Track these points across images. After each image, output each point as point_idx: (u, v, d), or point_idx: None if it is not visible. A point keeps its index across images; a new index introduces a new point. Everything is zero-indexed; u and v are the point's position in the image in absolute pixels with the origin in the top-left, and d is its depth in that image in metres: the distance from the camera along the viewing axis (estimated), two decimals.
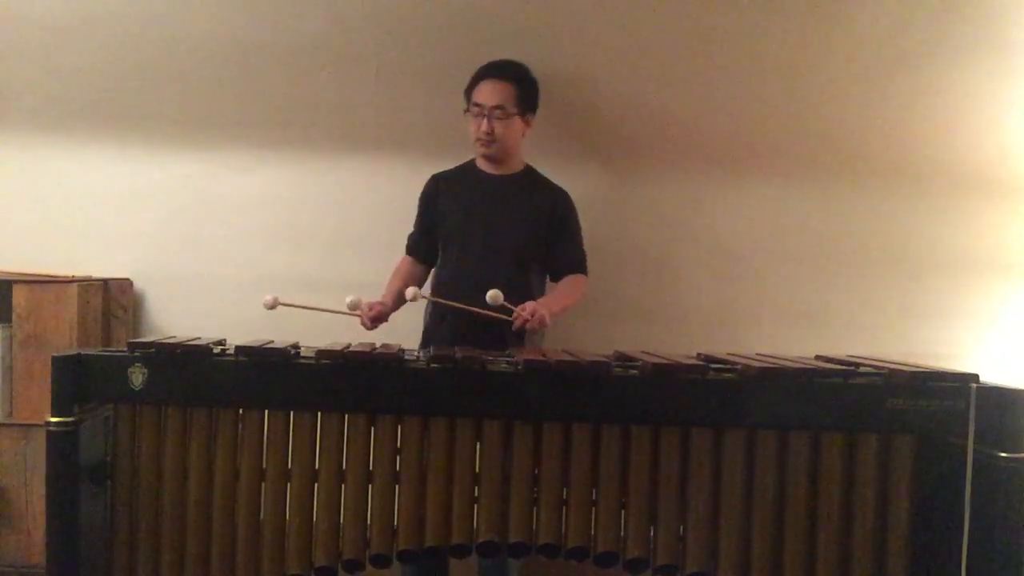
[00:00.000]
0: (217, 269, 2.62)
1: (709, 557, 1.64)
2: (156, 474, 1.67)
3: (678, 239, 2.64)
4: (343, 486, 1.67)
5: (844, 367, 1.70)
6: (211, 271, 2.62)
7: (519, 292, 2.12)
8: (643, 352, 1.83)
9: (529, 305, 1.99)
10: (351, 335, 2.02)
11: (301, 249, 2.63)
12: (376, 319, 2.10)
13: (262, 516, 1.68)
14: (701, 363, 1.72)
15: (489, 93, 2.17)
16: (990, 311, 2.65)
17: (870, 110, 2.59)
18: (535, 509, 1.65)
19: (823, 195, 2.64)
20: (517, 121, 2.20)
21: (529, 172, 2.31)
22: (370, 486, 1.66)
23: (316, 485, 1.67)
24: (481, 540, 1.64)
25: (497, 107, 2.16)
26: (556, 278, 2.29)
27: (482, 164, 2.28)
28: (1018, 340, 2.64)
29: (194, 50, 2.57)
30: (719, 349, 1.93)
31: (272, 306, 1.94)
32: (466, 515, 1.65)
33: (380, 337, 2.06)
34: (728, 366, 1.71)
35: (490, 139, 2.17)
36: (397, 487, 1.66)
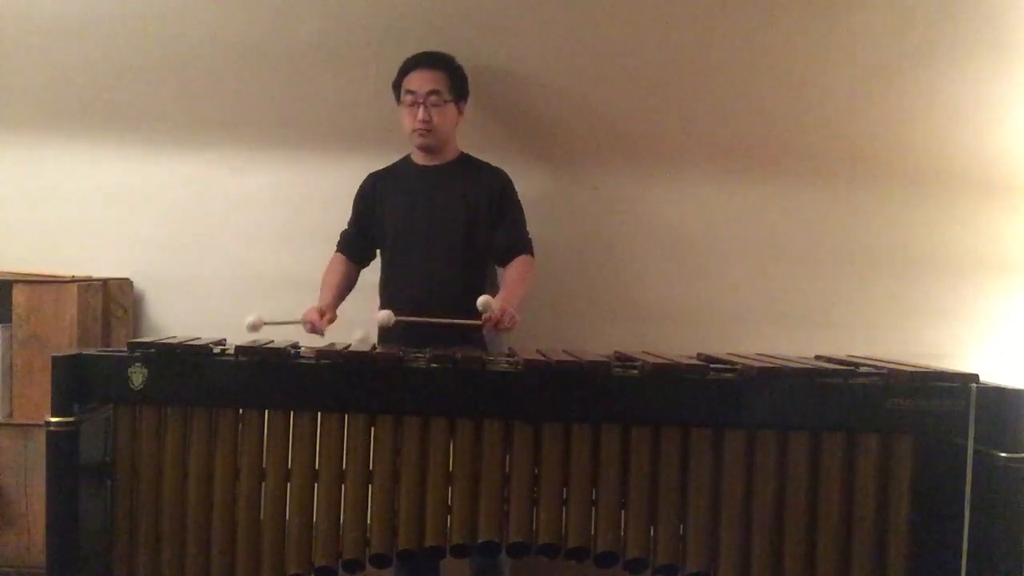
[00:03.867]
0: (217, 269, 2.62)
1: (709, 557, 1.64)
2: (156, 474, 1.67)
3: (678, 239, 2.64)
4: (343, 486, 1.66)
5: (844, 367, 1.70)
6: (211, 271, 2.62)
7: (472, 285, 2.12)
8: (643, 352, 1.83)
9: (494, 305, 1.93)
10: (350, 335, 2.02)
11: (301, 249, 2.63)
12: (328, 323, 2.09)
13: (262, 516, 1.67)
14: (701, 363, 1.72)
15: (421, 80, 2.15)
16: (990, 311, 2.65)
17: (870, 110, 2.59)
18: (535, 509, 1.65)
19: (823, 195, 2.64)
20: (452, 108, 2.19)
21: (464, 158, 2.28)
22: (370, 486, 1.66)
23: (316, 485, 1.67)
24: (481, 540, 1.64)
25: (432, 92, 2.14)
26: (502, 262, 2.22)
27: (418, 157, 2.26)
28: (1018, 340, 2.64)
29: (194, 50, 2.57)
30: (719, 349, 1.93)
31: (256, 327, 1.90)
32: (466, 515, 1.65)
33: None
34: (728, 366, 1.71)
35: (427, 127, 2.15)
36: (397, 487, 1.66)
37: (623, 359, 1.78)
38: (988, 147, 2.60)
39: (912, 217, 2.64)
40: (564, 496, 1.64)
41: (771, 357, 1.82)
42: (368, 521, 1.66)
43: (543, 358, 1.69)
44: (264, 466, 1.68)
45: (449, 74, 2.18)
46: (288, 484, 1.67)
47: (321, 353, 1.68)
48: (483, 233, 2.20)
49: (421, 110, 2.14)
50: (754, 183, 2.64)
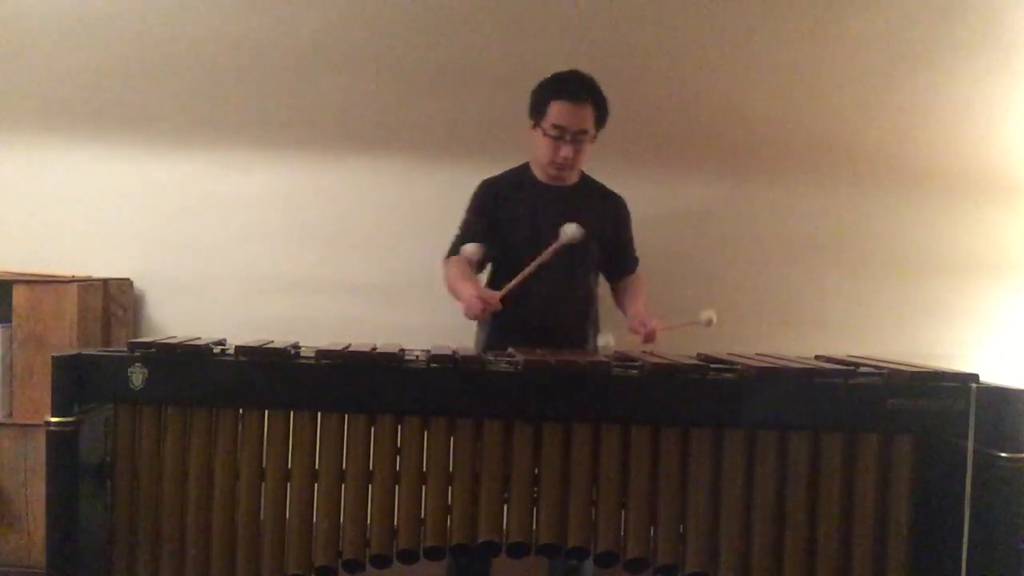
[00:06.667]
0: (217, 269, 2.62)
1: (709, 557, 1.64)
2: (156, 474, 1.67)
3: (677, 239, 2.65)
4: (343, 486, 1.66)
5: (844, 367, 1.70)
6: (211, 271, 2.62)
7: (588, 300, 2.16)
8: (643, 352, 1.83)
9: (644, 320, 2.03)
10: (351, 335, 2.02)
11: (301, 249, 2.63)
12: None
13: (262, 516, 1.67)
14: (701, 363, 1.72)
15: (572, 116, 2.05)
16: (990, 311, 2.65)
17: (870, 110, 2.60)
18: (535, 509, 1.64)
19: (823, 195, 2.64)
20: (591, 142, 2.12)
21: (587, 180, 2.25)
22: (370, 486, 1.66)
23: (316, 485, 1.67)
24: (481, 540, 1.64)
25: (581, 131, 2.06)
26: (615, 279, 2.29)
27: (541, 174, 2.19)
28: (1018, 340, 2.64)
29: (194, 50, 2.57)
30: (719, 349, 1.93)
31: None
32: (466, 515, 1.65)
33: (385, 336, 2.05)
34: (728, 366, 1.71)
35: (568, 164, 2.09)
36: (397, 487, 1.66)
37: (623, 359, 1.78)
38: (988, 147, 2.61)
39: (912, 217, 2.64)
40: (564, 496, 1.64)
41: (771, 357, 1.82)
42: (368, 521, 1.66)
43: (543, 358, 1.69)
44: (264, 466, 1.67)
45: (597, 108, 2.09)
46: (288, 484, 1.67)
47: (321, 353, 1.68)
48: (599, 253, 2.21)
49: (567, 147, 2.06)
50: (754, 183, 2.64)
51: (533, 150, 2.17)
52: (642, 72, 2.58)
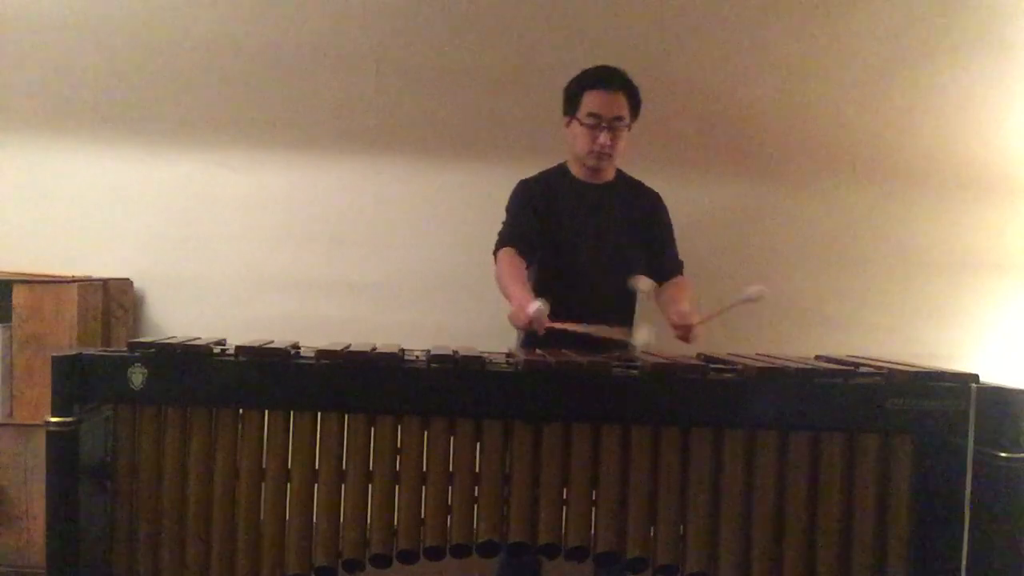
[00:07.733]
0: (217, 269, 2.62)
1: (709, 557, 1.64)
2: (156, 474, 1.67)
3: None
4: (343, 486, 1.66)
5: (844, 367, 1.70)
6: (211, 271, 2.62)
7: (628, 299, 2.14)
8: (643, 352, 1.83)
9: (684, 315, 1.98)
10: (351, 335, 2.02)
11: (301, 249, 2.63)
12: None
13: (262, 516, 1.67)
14: (701, 363, 1.72)
15: (607, 103, 2.07)
16: (990, 311, 2.65)
17: (870, 110, 2.60)
18: (535, 509, 1.65)
19: (823, 195, 2.64)
20: (627, 131, 2.13)
21: (623, 177, 2.25)
22: (370, 486, 1.66)
23: (316, 485, 1.67)
24: (481, 540, 1.64)
25: (617, 118, 2.08)
26: (661, 279, 2.20)
27: (579, 172, 2.19)
28: (1018, 340, 2.64)
29: (194, 50, 2.58)
30: (719, 349, 1.93)
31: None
32: (466, 515, 1.65)
33: (385, 336, 2.05)
34: (728, 366, 1.71)
35: (607, 152, 2.09)
36: (397, 487, 1.66)
37: (623, 359, 1.77)
38: (988, 147, 2.61)
39: (912, 217, 2.64)
40: (564, 496, 1.64)
41: (771, 357, 1.82)
42: (368, 521, 1.66)
43: (543, 358, 1.69)
44: (264, 466, 1.68)
45: (631, 97, 2.11)
46: (288, 484, 1.67)
47: (321, 353, 1.68)
48: (639, 251, 2.20)
49: (604, 134, 2.07)
50: (753, 183, 2.64)
51: (570, 145, 2.18)
52: (640, 72, 2.57)
